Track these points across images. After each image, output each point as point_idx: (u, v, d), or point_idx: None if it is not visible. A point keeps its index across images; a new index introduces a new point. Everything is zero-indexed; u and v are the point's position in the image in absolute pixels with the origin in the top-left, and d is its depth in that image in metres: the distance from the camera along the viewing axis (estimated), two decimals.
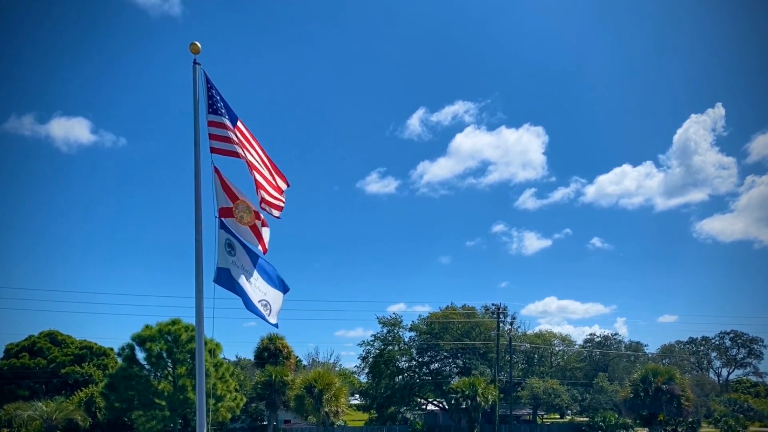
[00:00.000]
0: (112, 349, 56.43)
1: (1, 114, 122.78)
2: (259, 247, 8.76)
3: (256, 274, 8.66)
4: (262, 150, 8.88)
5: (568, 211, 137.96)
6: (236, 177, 8.50)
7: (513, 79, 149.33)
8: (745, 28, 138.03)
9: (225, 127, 8.35)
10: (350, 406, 55.03)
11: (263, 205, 8.66)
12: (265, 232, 8.84)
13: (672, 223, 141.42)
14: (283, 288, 8.97)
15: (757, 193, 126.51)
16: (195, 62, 8.16)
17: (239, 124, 8.58)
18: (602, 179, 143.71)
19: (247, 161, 8.50)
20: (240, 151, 8.43)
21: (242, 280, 8.35)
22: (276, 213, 8.92)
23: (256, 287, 8.58)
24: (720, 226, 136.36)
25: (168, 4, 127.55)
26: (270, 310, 8.63)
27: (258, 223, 8.67)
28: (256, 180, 8.56)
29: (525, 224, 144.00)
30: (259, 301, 8.52)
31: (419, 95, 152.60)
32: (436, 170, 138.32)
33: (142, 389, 37.93)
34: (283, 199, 9.08)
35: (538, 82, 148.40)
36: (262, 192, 8.62)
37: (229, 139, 8.37)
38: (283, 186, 9.12)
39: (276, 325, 8.74)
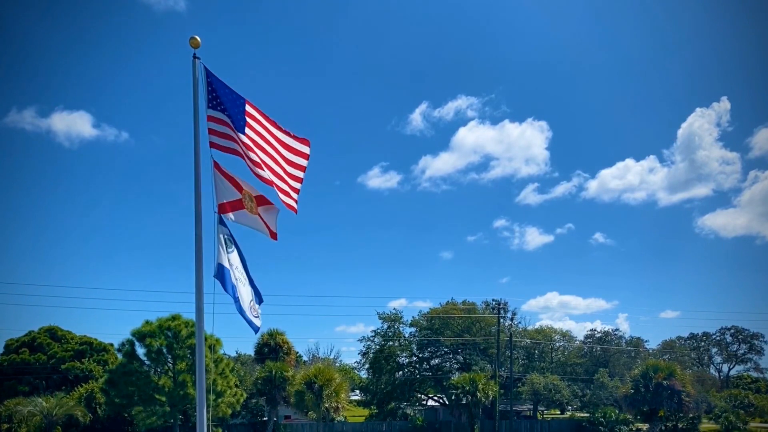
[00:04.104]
0: (112, 345, 56.38)
1: (2, 108, 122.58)
2: (268, 234, 8.66)
3: (245, 276, 8.61)
4: (277, 131, 8.67)
5: (570, 206, 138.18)
6: (240, 169, 8.41)
7: (516, 73, 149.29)
8: (750, 20, 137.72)
9: (225, 123, 8.24)
10: (350, 401, 55.00)
11: (282, 198, 8.58)
12: (272, 217, 8.71)
13: (674, 218, 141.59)
14: (258, 299, 8.91)
15: (760, 188, 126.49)
16: (195, 56, 8.04)
17: (248, 108, 8.36)
18: (605, 174, 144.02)
19: (250, 160, 8.35)
20: (240, 149, 8.30)
21: (235, 280, 8.29)
22: (294, 204, 8.73)
23: (247, 289, 8.58)
24: (722, 222, 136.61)
25: None
26: (257, 313, 8.60)
27: (261, 209, 8.57)
28: (263, 178, 8.42)
29: (527, 219, 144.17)
30: (249, 302, 8.50)
31: (422, 90, 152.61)
32: (438, 165, 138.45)
33: (142, 385, 37.88)
34: (300, 180, 8.88)
35: (542, 77, 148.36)
36: (277, 190, 8.54)
37: (228, 136, 8.26)
38: (299, 174, 8.89)
39: (257, 329, 8.69)
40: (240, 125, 8.24)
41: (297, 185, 8.80)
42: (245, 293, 8.43)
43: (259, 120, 8.43)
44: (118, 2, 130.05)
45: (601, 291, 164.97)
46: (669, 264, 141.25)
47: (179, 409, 39.38)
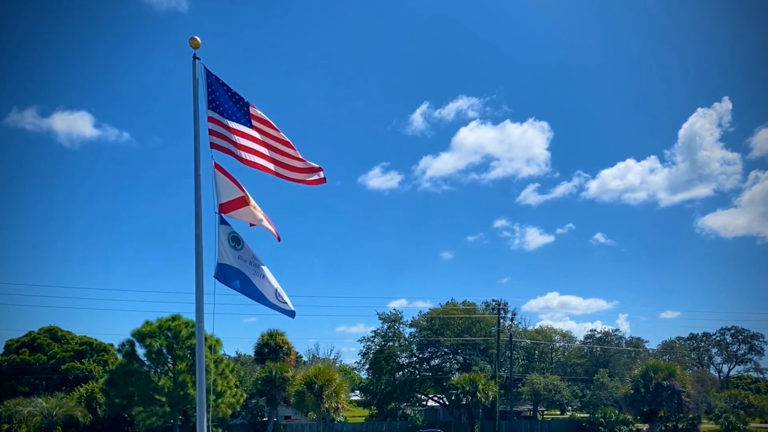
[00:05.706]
0: (112, 345, 56.37)
1: (2, 107, 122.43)
2: (274, 233, 8.69)
3: (263, 265, 8.57)
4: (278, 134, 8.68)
5: (570, 206, 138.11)
6: (240, 171, 8.44)
7: (517, 74, 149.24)
8: (751, 20, 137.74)
9: (225, 126, 8.26)
10: (350, 402, 54.99)
11: (300, 176, 8.58)
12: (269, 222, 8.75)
13: (675, 218, 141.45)
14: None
15: (760, 188, 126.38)
16: (195, 57, 8.05)
17: (253, 110, 8.41)
18: (606, 174, 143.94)
19: (256, 152, 8.38)
20: (239, 152, 8.32)
21: (251, 274, 8.29)
22: (319, 175, 8.75)
23: (272, 276, 8.54)
24: (723, 222, 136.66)
25: None
26: (285, 299, 8.56)
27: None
28: (267, 169, 8.48)
29: (527, 220, 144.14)
30: (276, 290, 8.46)
31: (423, 90, 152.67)
32: (439, 165, 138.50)
33: (143, 385, 37.91)
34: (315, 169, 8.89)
35: (543, 77, 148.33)
36: (293, 173, 8.56)
37: (228, 138, 8.28)
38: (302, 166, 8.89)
39: (293, 313, 8.58)
40: (246, 120, 8.32)
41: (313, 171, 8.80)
42: (268, 285, 8.39)
43: (266, 121, 8.48)
44: (120, 2, 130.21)
45: (602, 291, 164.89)
46: (669, 264, 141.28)
47: (179, 409, 39.38)
